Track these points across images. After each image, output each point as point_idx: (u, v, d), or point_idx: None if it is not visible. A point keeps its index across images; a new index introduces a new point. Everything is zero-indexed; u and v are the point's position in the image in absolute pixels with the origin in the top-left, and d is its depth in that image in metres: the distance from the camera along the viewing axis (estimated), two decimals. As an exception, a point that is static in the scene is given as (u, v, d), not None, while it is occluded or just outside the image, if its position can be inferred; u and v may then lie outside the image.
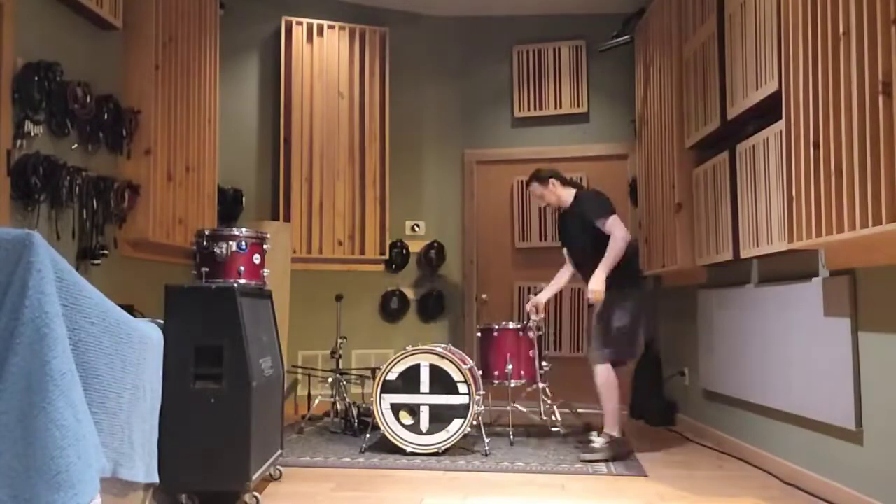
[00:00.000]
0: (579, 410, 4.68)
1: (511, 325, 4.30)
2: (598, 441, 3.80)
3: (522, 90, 5.74)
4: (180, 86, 4.32)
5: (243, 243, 3.01)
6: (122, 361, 2.19)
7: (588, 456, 3.70)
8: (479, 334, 4.39)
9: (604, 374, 3.84)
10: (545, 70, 5.72)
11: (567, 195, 4.08)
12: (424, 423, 3.79)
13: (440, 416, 3.78)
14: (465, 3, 5.64)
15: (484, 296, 4.77)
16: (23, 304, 1.78)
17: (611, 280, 3.79)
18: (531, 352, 4.22)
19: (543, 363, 4.25)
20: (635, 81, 5.41)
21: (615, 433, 3.82)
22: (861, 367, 2.71)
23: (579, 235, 4.00)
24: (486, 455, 3.77)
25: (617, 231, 3.81)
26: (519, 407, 4.34)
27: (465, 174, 5.79)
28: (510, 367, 4.15)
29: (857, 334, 2.73)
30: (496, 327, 4.29)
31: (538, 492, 3.12)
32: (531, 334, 4.17)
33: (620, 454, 3.75)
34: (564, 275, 4.29)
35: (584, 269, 3.99)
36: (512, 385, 4.21)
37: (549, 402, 4.31)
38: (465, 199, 5.78)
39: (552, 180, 4.07)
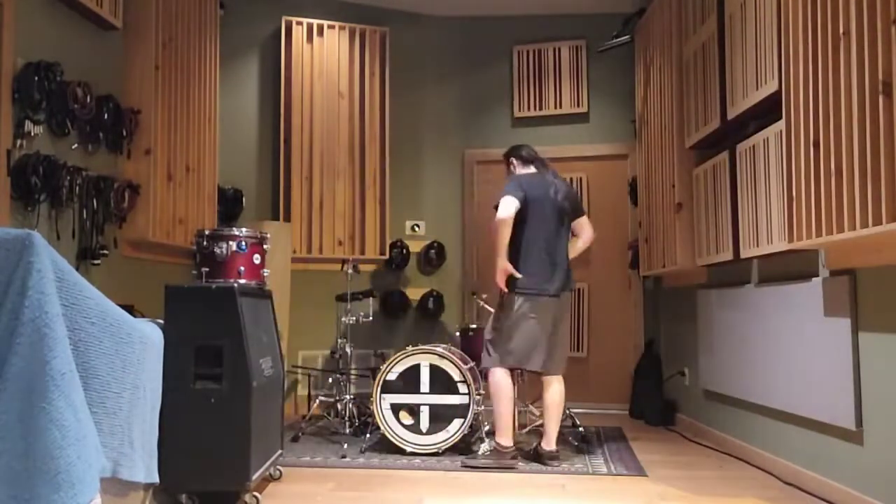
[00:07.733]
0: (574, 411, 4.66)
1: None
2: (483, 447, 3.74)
3: (522, 90, 5.74)
4: (180, 86, 4.32)
5: (243, 243, 3.01)
6: (122, 361, 2.19)
7: (470, 462, 3.56)
8: (457, 334, 4.39)
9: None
10: (545, 70, 5.72)
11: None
12: (424, 423, 3.79)
13: (440, 416, 3.78)
14: (465, 3, 5.64)
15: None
16: (23, 304, 1.78)
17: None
18: None
19: None
20: (635, 81, 5.41)
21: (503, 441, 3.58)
22: (861, 367, 2.71)
23: None
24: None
25: None
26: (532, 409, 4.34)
27: (465, 174, 5.79)
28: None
29: (857, 334, 2.74)
30: (472, 327, 4.29)
31: (538, 492, 3.12)
32: None
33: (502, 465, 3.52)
34: None
35: None
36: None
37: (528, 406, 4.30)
38: (465, 199, 5.77)
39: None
